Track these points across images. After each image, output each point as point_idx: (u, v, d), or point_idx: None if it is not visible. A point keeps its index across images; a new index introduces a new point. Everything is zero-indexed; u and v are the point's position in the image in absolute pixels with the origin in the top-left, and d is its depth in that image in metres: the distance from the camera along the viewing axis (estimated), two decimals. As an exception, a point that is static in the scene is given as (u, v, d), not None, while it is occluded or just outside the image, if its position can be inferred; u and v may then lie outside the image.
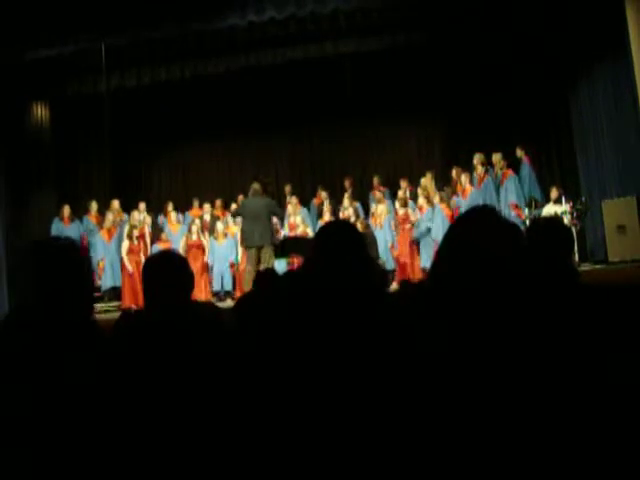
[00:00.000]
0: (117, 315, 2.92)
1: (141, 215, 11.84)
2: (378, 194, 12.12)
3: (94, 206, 11.99)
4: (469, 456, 1.73)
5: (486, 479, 1.71)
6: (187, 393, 2.23)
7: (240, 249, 11.15)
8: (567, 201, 10.17)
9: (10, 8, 9.89)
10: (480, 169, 11.01)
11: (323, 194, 12.67)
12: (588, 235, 10.88)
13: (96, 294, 10.64)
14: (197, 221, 11.79)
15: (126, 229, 11.26)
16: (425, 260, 10.68)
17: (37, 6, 9.96)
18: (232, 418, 2.07)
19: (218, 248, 11.58)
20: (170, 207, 12.43)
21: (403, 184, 11.95)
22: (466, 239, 1.96)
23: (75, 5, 10.01)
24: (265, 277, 3.72)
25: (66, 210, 11.76)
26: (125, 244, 11.06)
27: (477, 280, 1.88)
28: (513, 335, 1.84)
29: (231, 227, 11.80)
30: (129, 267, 10.83)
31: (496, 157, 10.91)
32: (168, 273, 2.73)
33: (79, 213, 12.15)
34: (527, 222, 9.71)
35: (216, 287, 11.59)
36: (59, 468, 1.70)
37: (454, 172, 11.40)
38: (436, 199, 10.91)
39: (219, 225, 11.78)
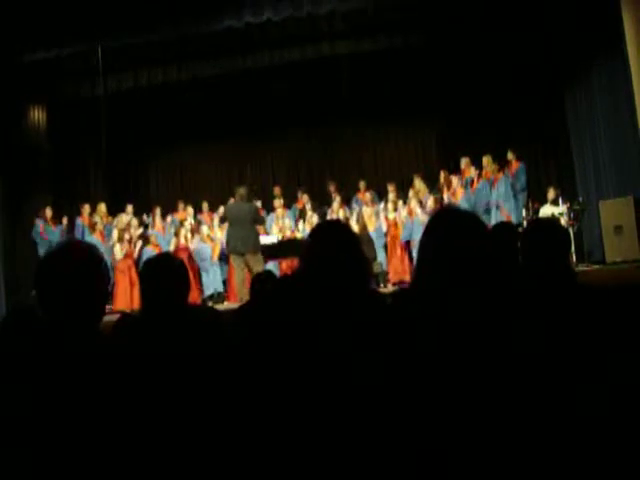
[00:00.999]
0: (112, 317, 2.91)
1: (128, 217, 11.82)
2: (368, 196, 12.16)
3: (87, 208, 11.94)
4: (464, 457, 1.73)
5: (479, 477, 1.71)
6: (186, 395, 2.23)
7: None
8: (564, 202, 10.18)
9: (6, 10, 9.88)
10: (472, 172, 11.05)
11: (305, 197, 12.69)
12: (585, 236, 10.90)
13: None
14: (186, 224, 11.76)
15: (115, 233, 11.24)
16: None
17: (33, 9, 9.94)
18: (231, 419, 2.07)
19: (204, 250, 11.54)
20: (158, 211, 12.37)
21: (391, 188, 11.93)
22: (437, 241, 2.02)
23: (71, 7, 9.99)
24: (262, 281, 3.71)
25: (48, 212, 11.64)
26: (117, 247, 11.04)
27: (457, 279, 1.90)
28: (509, 334, 1.85)
29: (215, 230, 11.74)
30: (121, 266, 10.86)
31: (486, 159, 10.92)
32: (166, 276, 2.73)
33: (74, 216, 12.09)
34: (524, 224, 9.72)
35: (208, 291, 11.48)
36: (59, 469, 1.70)
37: (442, 176, 11.46)
38: (430, 201, 10.94)
39: (204, 228, 11.72)
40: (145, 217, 12.36)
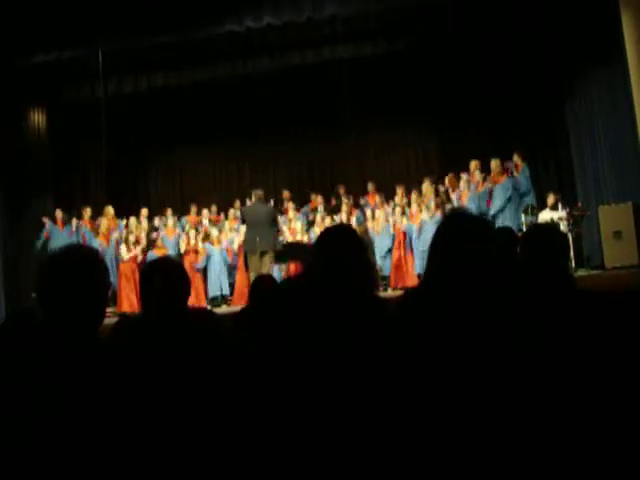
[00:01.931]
0: (114, 320, 2.92)
1: (139, 220, 11.85)
2: (378, 199, 12.16)
3: (88, 212, 11.94)
4: (466, 466, 1.73)
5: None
6: (185, 397, 2.24)
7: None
8: (564, 207, 10.18)
9: (7, 14, 9.90)
10: (478, 175, 11.02)
11: (318, 199, 12.68)
12: (585, 241, 10.89)
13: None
14: (199, 227, 11.80)
15: (123, 234, 11.27)
16: (419, 266, 10.72)
17: (34, 12, 9.96)
18: (231, 422, 2.07)
19: (214, 253, 11.57)
20: (169, 213, 12.41)
21: (399, 191, 11.96)
22: (448, 244, 2.04)
23: (72, 11, 10.01)
24: (262, 283, 3.72)
25: (59, 214, 11.71)
26: (123, 249, 11.06)
27: (465, 282, 1.92)
28: (509, 339, 1.85)
29: (226, 232, 11.77)
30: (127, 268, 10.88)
31: (494, 163, 10.92)
32: (165, 279, 2.73)
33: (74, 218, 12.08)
34: (524, 228, 9.72)
35: (213, 293, 11.57)
36: (59, 471, 1.70)
37: (447, 180, 11.45)
38: (432, 205, 10.94)
39: (214, 230, 11.76)
40: (158, 219, 12.36)
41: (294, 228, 11.59)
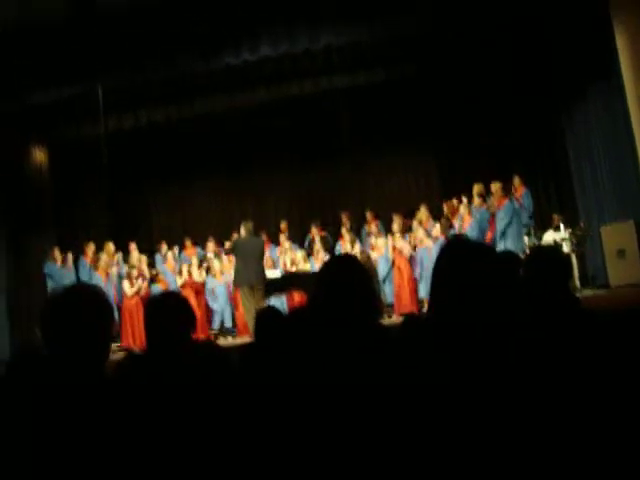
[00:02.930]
0: (118, 355, 2.92)
1: (134, 254, 11.87)
2: (374, 227, 12.18)
3: (91, 247, 11.96)
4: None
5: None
6: (190, 430, 2.23)
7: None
8: (566, 227, 10.18)
9: (7, 53, 10.02)
10: (477, 200, 11.05)
11: (315, 230, 12.73)
12: (589, 260, 10.88)
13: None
14: (194, 260, 11.80)
15: (124, 270, 11.29)
16: (423, 291, 10.70)
17: (34, 51, 10.08)
18: (238, 456, 2.06)
19: (216, 286, 11.57)
20: (164, 247, 12.44)
21: (396, 218, 11.95)
22: (450, 270, 2.05)
23: (71, 49, 10.13)
24: (266, 317, 3.71)
25: (56, 251, 11.69)
26: (126, 285, 11.07)
27: (470, 309, 1.92)
28: (514, 364, 1.85)
29: (226, 265, 11.76)
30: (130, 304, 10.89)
31: (495, 186, 10.94)
32: (170, 314, 2.74)
33: (76, 254, 12.09)
34: (527, 251, 9.71)
35: (216, 325, 11.56)
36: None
37: (445, 207, 11.49)
38: (435, 230, 10.96)
39: (216, 263, 11.78)
40: (159, 252, 12.39)
41: (293, 258, 11.58)
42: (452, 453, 1.76)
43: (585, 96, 10.84)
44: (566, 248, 9.69)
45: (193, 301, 10.79)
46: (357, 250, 11.32)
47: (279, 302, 10.71)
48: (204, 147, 13.76)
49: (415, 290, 11.03)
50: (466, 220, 10.91)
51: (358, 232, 12.61)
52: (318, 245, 12.04)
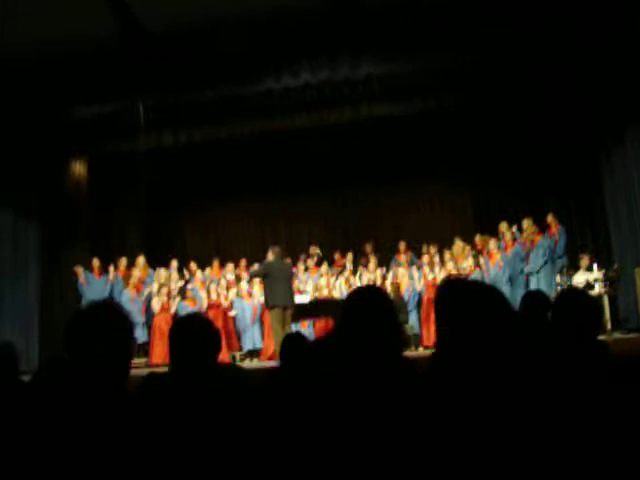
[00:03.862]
0: (144, 372, 2.94)
1: (169, 272, 11.98)
2: (404, 257, 12.18)
3: (123, 261, 12.13)
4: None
5: None
6: (212, 452, 2.23)
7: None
8: (599, 268, 10.04)
9: (51, 68, 10.24)
10: (508, 236, 11.00)
11: (340, 258, 12.74)
12: (621, 302, 10.70)
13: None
14: (222, 281, 11.86)
15: (155, 286, 11.38)
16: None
17: (79, 67, 10.29)
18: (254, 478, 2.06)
19: (244, 307, 11.60)
20: (194, 266, 12.54)
21: (432, 249, 11.99)
22: (441, 311, 2.04)
23: (115, 67, 10.34)
24: (292, 342, 3.72)
25: (95, 262, 11.90)
26: (155, 301, 11.16)
27: (477, 351, 1.90)
28: (532, 409, 1.83)
29: (255, 286, 11.79)
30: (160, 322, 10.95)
31: (526, 222, 10.88)
32: (195, 336, 2.76)
33: (107, 268, 12.24)
34: (558, 289, 9.61)
35: (246, 346, 11.58)
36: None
37: (477, 240, 11.47)
38: (467, 264, 10.91)
39: (243, 284, 11.81)
40: (186, 272, 12.49)
41: (321, 285, 11.56)
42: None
43: (624, 136, 10.72)
44: (598, 289, 9.56)
45: (219, 322, 10.85)
46: (388, 280, 11.31)
47: (307, 328, 10.74)
48: (241, 170, 13.87)
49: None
50: (495, 255, 10.86)
51: (388, 262, 12.59)
52: (347, 272, 12.06)
